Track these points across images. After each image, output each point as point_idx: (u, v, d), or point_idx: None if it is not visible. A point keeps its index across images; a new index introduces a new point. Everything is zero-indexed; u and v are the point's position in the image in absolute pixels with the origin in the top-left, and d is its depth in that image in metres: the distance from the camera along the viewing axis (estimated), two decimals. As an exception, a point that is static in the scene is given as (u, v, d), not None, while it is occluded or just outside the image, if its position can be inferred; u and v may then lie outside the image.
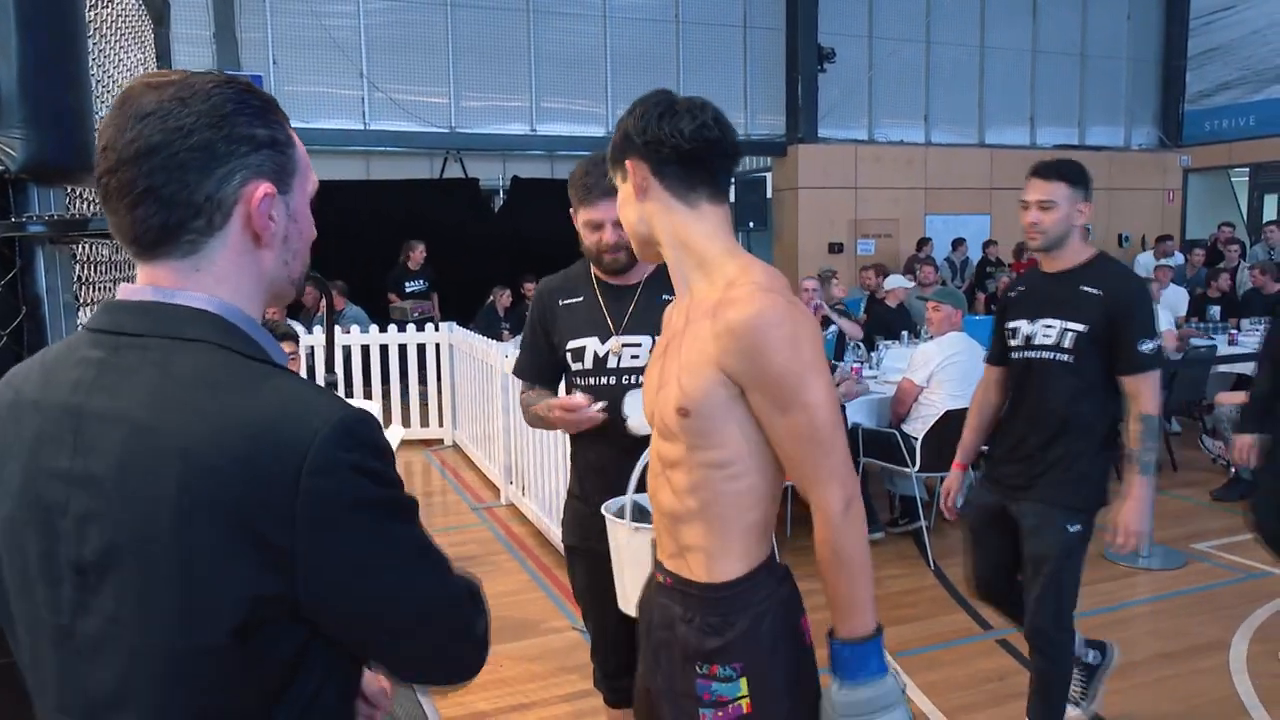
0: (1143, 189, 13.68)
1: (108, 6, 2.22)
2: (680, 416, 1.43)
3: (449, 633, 0.97)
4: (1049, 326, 2.66)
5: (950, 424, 4.24)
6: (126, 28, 2.45)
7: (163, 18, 2.75)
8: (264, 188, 0.93)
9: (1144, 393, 2.57)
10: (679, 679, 1.47)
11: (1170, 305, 7.88)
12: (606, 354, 2.20)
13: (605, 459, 2.18)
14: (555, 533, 4.74)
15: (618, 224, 2.05)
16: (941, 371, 4.69)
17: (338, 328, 7.16)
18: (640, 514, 1.77)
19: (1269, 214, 13.48)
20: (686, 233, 1.47)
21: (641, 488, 1.74)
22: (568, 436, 2.35)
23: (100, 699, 0.89)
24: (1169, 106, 14.19)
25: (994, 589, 2.94)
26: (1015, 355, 2.77)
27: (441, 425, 7.48)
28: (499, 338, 7.36)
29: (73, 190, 1.89)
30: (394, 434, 4.42)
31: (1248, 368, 5.82)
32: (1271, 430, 3.46)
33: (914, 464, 4.67)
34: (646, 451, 1.67)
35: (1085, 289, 2.61)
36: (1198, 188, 14.38)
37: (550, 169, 11.42)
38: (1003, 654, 3.64)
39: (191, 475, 0.83)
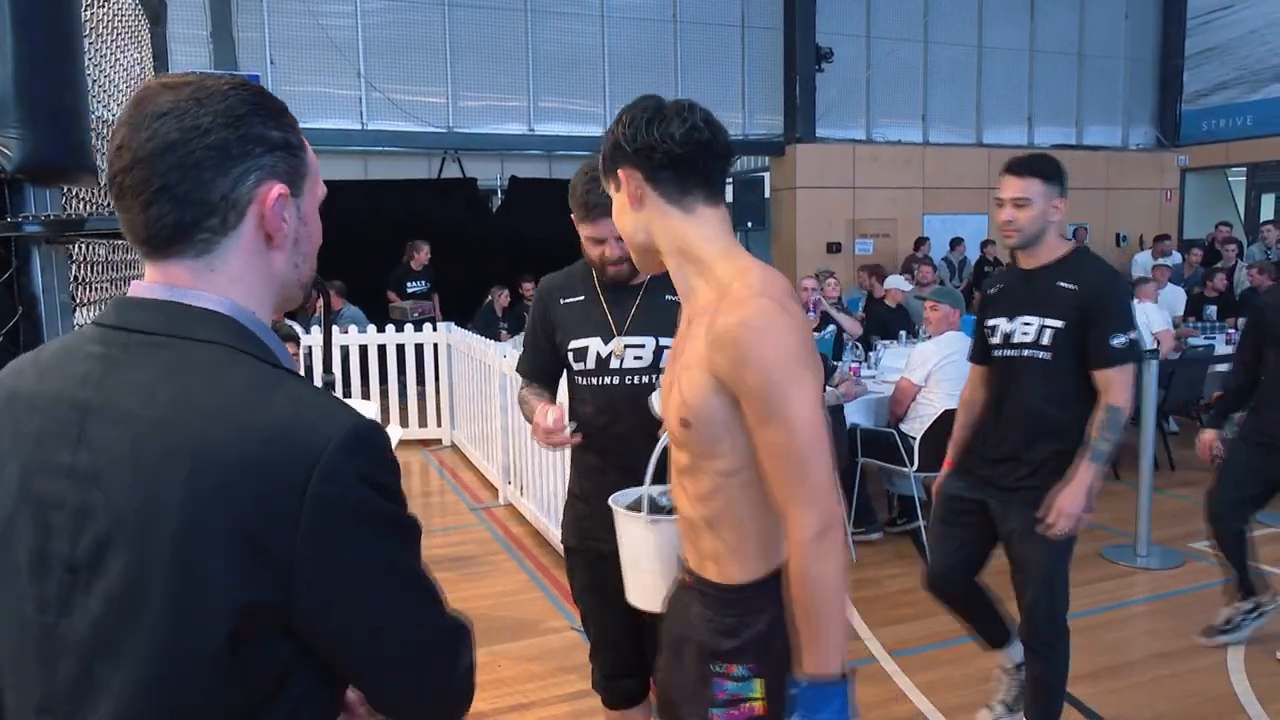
0: (1140, 189, 13.70)
1: (104, 6, 2.22)
2: (683, 428, 1.42)
3: (432, 660, 0.96)
4: (1027, 323, 2.64)
5: (948, 423, 4.21)
6: (123, 27, 2.44)
7: (159, 17, 2.75)
8: (278, 188, 0.94)
9: (1114, 385, 2.54)
10: (695, 678, 1.46)
11: (1168, 305, 7.90)
12: (609, 355, 2.20)
13: (607, 460, 2.18)
14: (553, 533, 4.74)
15: (620, 238, 2.04)
16: (939, 371, 4.69)
17: (336, 328, 7.16)
18: (651, 507, 1.75)
19: (1266, 213, 13.51)
20: (684, 238, 1.44)
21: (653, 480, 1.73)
22: None
23: (82, 700, 0.88)
24: (1166, 106, 14.21)
25: (949, 585, 2.91)
26: (996, 354, 2.75)
27: (440, 425, 7.48)
28: (497, 338, 7.35)
29: (69, 190, 1.89)
30: (392, 434, 4.42)
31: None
32: (1252, 422, 3.56)
33: (912, 464, 4.67)
34: (660, 445, 1.67)
35: (1062, 284, 2.59)
36: (1195, 187, 14.40)
37: (548, 169, 11.42)
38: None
39: (200, 476, 0.83)
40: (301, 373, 3.63)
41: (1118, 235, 13.53)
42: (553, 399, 2.32)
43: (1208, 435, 3.74)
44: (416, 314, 8.37)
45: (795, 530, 1.33)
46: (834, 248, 11.95)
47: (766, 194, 12.12)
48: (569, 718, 3.24)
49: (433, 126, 10.34)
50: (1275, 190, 13.76)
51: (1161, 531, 4.78)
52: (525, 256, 9.25)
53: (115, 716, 0.87)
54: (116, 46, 2.31)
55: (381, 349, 7.35)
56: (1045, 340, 2.61)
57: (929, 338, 5.00)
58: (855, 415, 5.01)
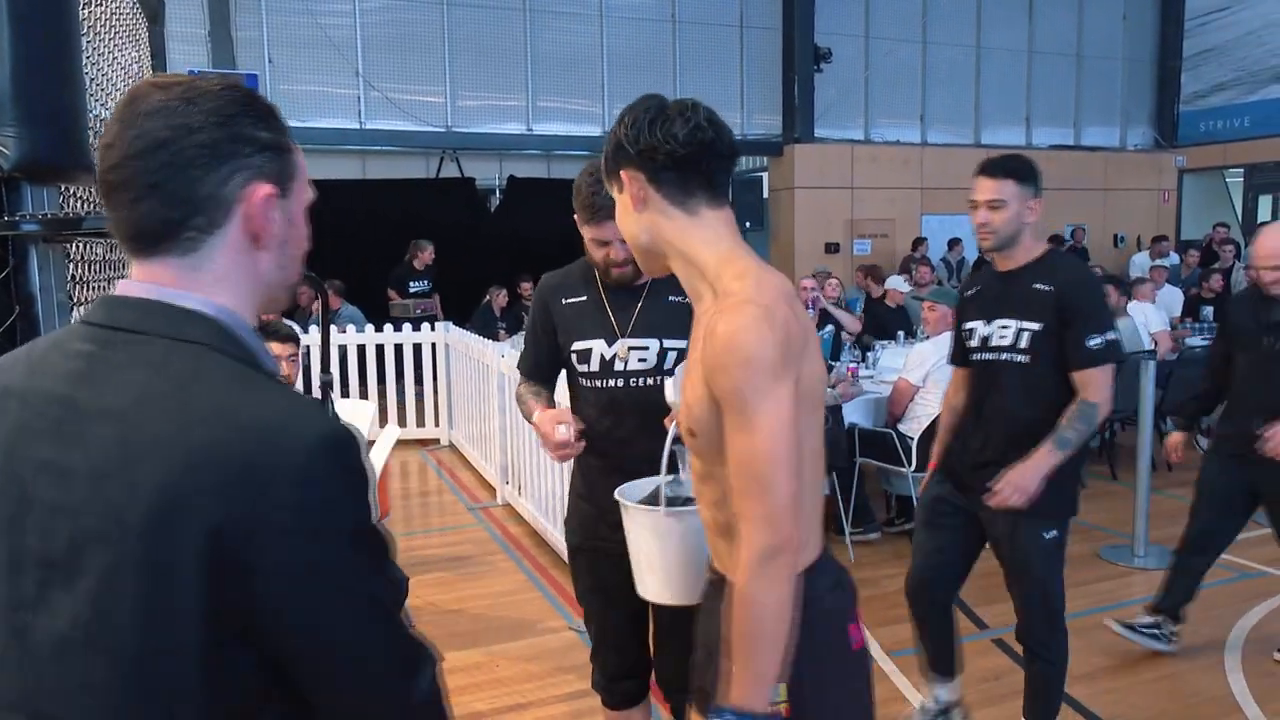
0: (1138, 189, 13.72)
1: (102, 5, 2.21)
2: (690, 436, 1.42)
3: (387, 678, 0.93)
4: (1005, 326, 2.61)
5: (946, 424, 4.25)
6: (121, 26, 2.44)
7: (157, 16, 2.74)
8: (265, 188, 0.94)
9: (1091, 385, 2.51)
10: (725, 675, 1.44)
11: (1165, 305, 7.91)
12: (613, 357, 2.17)
13: (609, 462, 2.16)
14: (552, 533, 4.74)
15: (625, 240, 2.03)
16: (937, 371, 4.69)
17: (334, 327, 7.15)
18: (658, 499, 1.75)
19: (1263, 214, 13.54)
20: (688, 240, 1.42)
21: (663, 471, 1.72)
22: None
23: (58, 700, 0.88)
24: (1164, 107, 14.23)
25: (932, 588, 2.87)
26: (974, 357, 2.71)
27: (438, 425, 7.47)
28: (495, 337, 7.35)
29: (66, 189, 1.88)
30: (390, 434, 4.41)
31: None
32: (1223, 430, 3.56)
33: (910, 464, 4.67)
34: (670, 436, 1.67)
35: (1037, 286, 2.56)
36: (1193, 188, 14.42)
37: (547, 168, 11.42)
38: (998, 653, 3.64)
39: (169, 476, 0.83)
40: (299, 373, 3.57)
41: (1115, 236, 13.55)
42: (550, 397, 2.31)
43: (1175, 437, 3.82)
44: (420, 310, 8.37)
45: (744, 548, 1.29)
46: (832, 248, 11.95)
47: (765, 194, 12.13)
48: (567, 717, 3.24)
49: (431, 126, 10.34)
50: (1273, 191, 13.78)
51: (1159, 532, 4.77)
52: (523, 256, 9.24)
53: (91, 718, 0.87)
54: (114, 45, 2.30)
55: (380, 349, 7.34)
56: (1023, 344, 2.57)
57: (927, 338, 5.00)
58: (854, 415, 5.01)
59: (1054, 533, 2.63)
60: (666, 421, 1.76)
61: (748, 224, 10.61)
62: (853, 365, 5.45)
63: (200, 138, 0.91)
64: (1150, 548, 4.66)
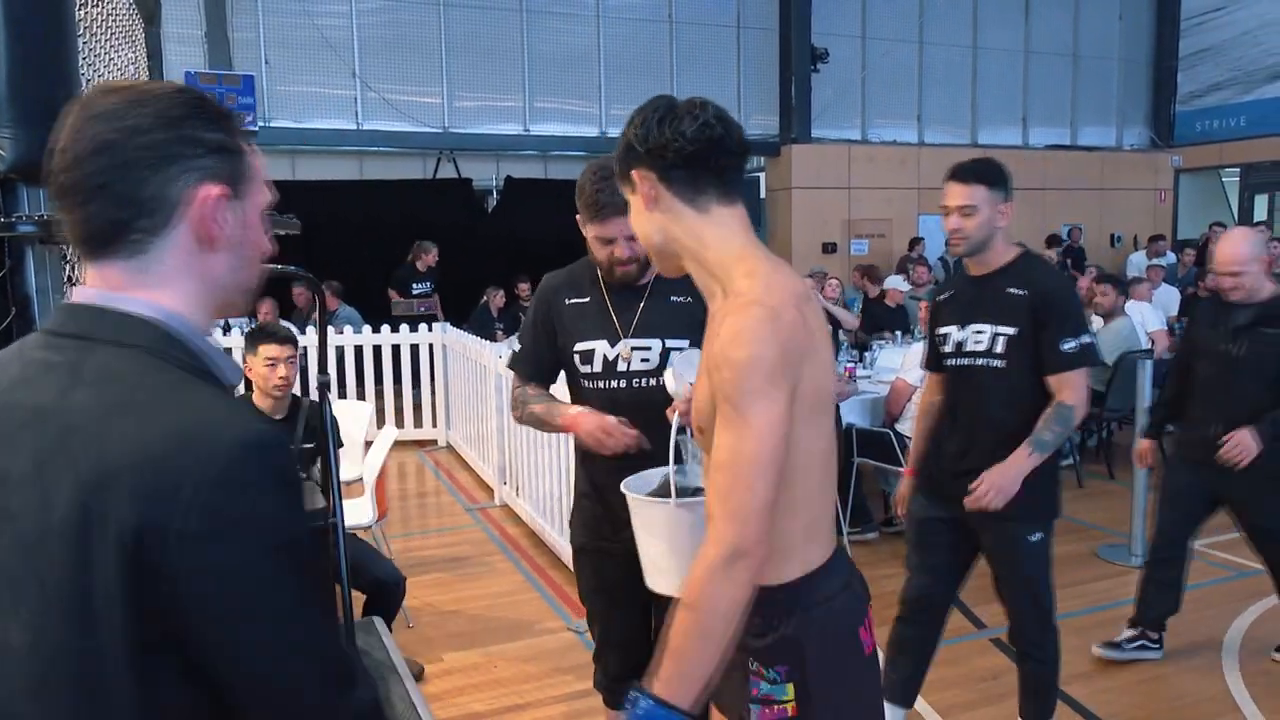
0: (1134, 189, 13.74)
1: (98, 6, 2.21)
2: (700, 434, 1.42)
3: (316, 690, 0.91)
4: (979, 331, 2.59)
5: (944, 423, 4.25)
6: (117, 27, 2.44)
7: (154, 17, 2.74)
8: (215, 190, 0.94)
9: (1066, 387, 2.50)
10: (740, 670, 1.45)
11: (1162, 305, 7.93)
12: (616, 358, 2.16)
13: (611, 463, 2.13)
14: (549, 533, 4.74)
15: (630, 238, 2.01)
16: (935, 371, 4.70)
17: (331, 328, 7.14)
18: (667, 491, 1.75)
19: (1259, 214, 13.58)
20: (700, 239, 1.42)
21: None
22: (565, 437, 2.33)
23: (13, 703, 0.87)
24: (1160, 107, 14.26)
25: (930, 603, 2.85)
26: (948, 362, 2.70)
27: (435, 426, 7.47)
28: (493, 338, 7.35)
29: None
30: (387, 435, 4.40)
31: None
32: (1183, 437, 3.55)
33: (907, 464, 4.68)
34: (674, 426, 1.67)
35: (1011, 290, 2.54)
36: (1189, 188, 14.45)
37: (544, 169, 11.42)
38: (996, 653, 3.65)
39: (90, 480, 0.83)
40: (297, 374, 3.53)
41: (1112, 235, 13.57)
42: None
43: (1143, 444, 3.86)
44: (422, 309, 8.37)
45: (708, 544, 1.29)
46: (829, 248, 11.96)
47: (762, 194, 12.14)
48: (565, 718, 3.24)
49: (428, 126, 10.33)
50: (1268, 191, 13.82)
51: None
52: (521, 257, 9.23)
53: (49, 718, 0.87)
54: (111, 46, 2.30)
55: (377, 349, 7.34)
56: (999, 349, 2.56)
57: (924, 338, 5.00)
58: (852, 415, 5.02)
59: (1039, 535, 2.62)
60: (669, 412, 1.75)
61: (745, 224, 10.61)
62: (850, 365, 5.46)
63: (147, 139, 0.91)
64: (1148, 547, 4.67)
